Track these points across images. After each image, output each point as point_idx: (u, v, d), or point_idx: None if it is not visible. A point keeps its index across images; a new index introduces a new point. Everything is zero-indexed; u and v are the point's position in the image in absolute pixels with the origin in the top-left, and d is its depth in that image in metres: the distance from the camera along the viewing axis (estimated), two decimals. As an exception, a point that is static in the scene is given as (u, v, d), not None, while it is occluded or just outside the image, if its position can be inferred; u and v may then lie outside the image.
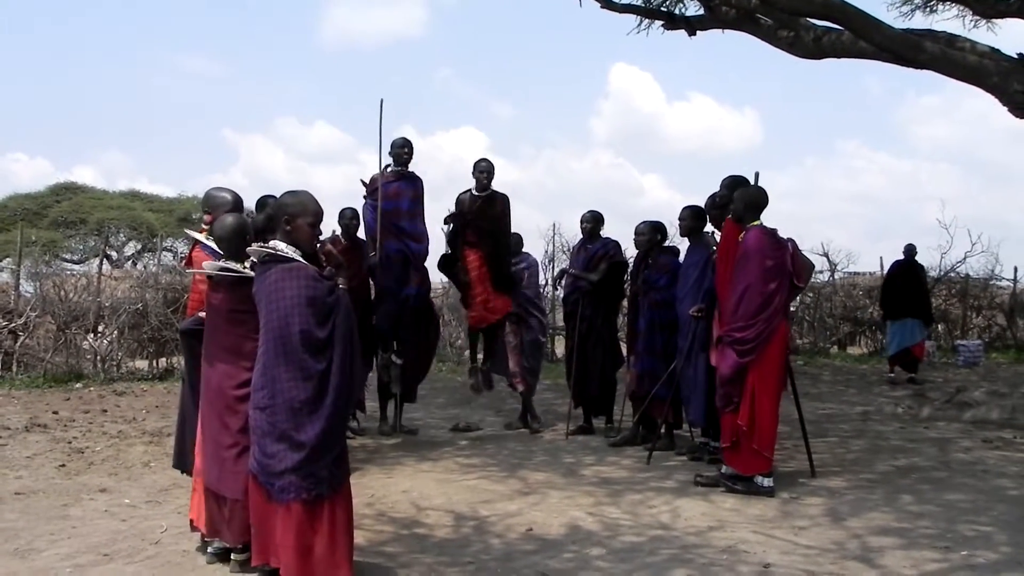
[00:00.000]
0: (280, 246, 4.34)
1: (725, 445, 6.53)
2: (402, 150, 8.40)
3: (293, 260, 4.30)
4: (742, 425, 6.30)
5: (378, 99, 7.92)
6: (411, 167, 8.44)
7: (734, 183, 6.99)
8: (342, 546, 4.30)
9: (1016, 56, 8.02)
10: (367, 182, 8.36)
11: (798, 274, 6.60)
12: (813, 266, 7.39)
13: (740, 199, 6.56)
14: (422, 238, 8.46)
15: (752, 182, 6.77)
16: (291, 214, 4.39)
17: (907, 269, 13.50)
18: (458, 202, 8.68)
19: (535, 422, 9.12)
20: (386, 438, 8.44)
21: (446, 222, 8.69)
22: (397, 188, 8.24)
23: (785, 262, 6.45)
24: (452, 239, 8.68)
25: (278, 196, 4.79)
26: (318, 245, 4.84)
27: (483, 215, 8.59)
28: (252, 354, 4.46)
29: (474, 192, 8.65)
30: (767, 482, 6.38)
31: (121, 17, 60.27)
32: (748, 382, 6.33)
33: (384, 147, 8.20)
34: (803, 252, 6.75)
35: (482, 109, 66.96)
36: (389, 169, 8.31)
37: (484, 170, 8.61)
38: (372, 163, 8.15)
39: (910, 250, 13.51)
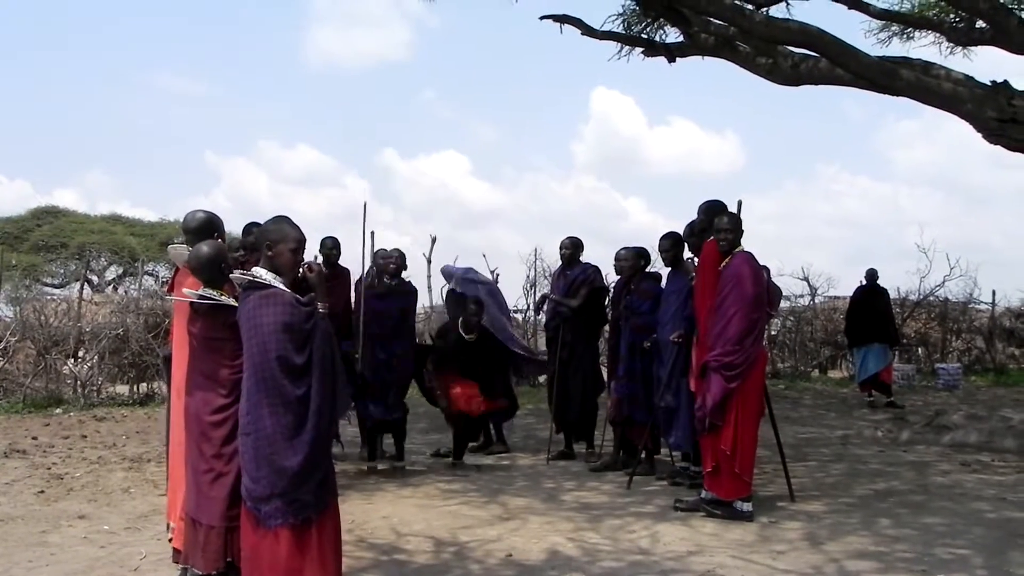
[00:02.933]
0: (260, 272, 4.37)
1: (707, 470, 6.55)
2: (389, 260, 8.13)
3: (270, 286, 4.33)
4: (725, 450, 6.33)
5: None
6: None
7: (711, 208, 7.05)
8: (331, 569, 4.34)
9: (990, 83, 8.13)
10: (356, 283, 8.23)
11: (771, 301, 6.69)
12: (781, 292, 7.49)
13: (737, 227, 6.60)
14: (406, 354, 8.24)
15: (736, 210, 6.81)
16: (272, 240, 4.43)
17: (869, 294, 13.54)
18: (445, 337, 8.55)
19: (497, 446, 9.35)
20: (366, 463, 8.42)
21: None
22: (383, 306, 8.01)
23: (765, 290, 6.52)
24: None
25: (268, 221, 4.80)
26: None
27: (473, 355, 8.39)
28: (228, 381, 4.51)
29: (463, 334, 8.47)
30: (747, 507, 6.41)
31: (101, 38, 60.17)
32: (731, 407, 6.37)
33: (369, 226, 7.95)
34: (782, 276, 6.85)
35: (465, 132, 67.01)
36: (377, 275, 8.08)
37: (474, 313, 8.39)
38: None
39: (871, 275, 13.55)
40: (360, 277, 8.18)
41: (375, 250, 8.21)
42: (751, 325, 6.39)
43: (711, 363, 6.42)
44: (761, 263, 6.66)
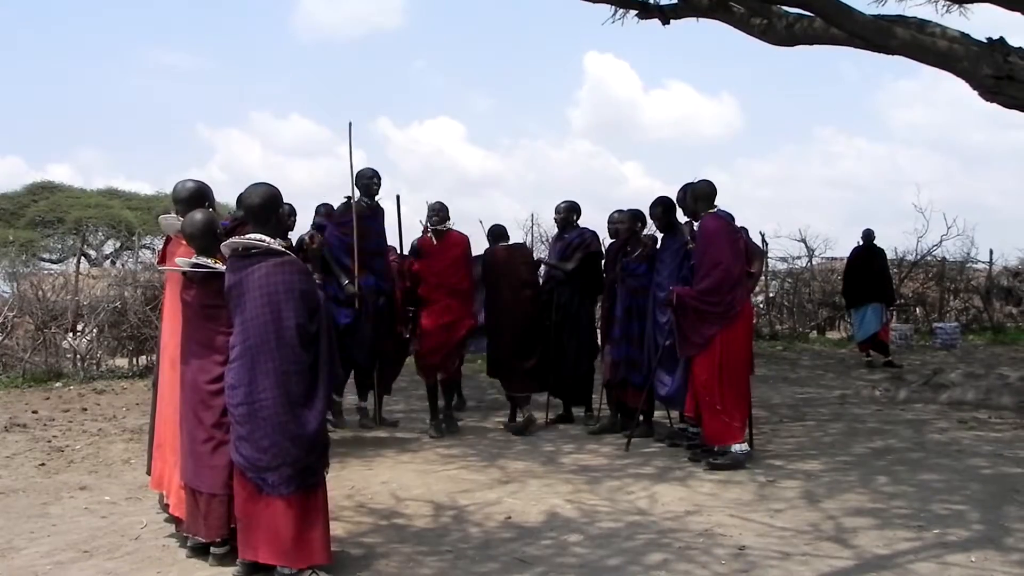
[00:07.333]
0: (266, 239, 4.37)
1: (688, 414, 6.95)
2: (372, 181, 8.12)
3: (285, 253, 4.37)
4: (715, 404, 6.60)
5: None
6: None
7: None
8: (328, 529, 4.50)
9: (986, 41, 8.09)
10: (334, 210, 8.15)
11: (750, 260, 6.88)
12: (764, 253, 7.68)
13: (690, 195, 7.02)
14: (389, 274, 8.31)
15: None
16: (281, 205, 4.52)
17: (866, 254, 13.49)
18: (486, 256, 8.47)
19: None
20: (366, 430, 8.45)
21: None
22: (371, 226, 8.03)
23: (737, 243, 6.81)
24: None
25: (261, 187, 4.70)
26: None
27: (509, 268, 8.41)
28: (224, 348, 4.52)
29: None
30: (742, 447, 6.70)
31: (91, 12, 59.83)
32: (716, 355, 6.62)
33: (357, 153, 8.05)
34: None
35: (459, 100, 66.98)
36: (358, 199, 8.01)
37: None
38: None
39: (868, 235, 13.45)
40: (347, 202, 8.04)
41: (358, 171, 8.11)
42: (725, 276, 6.67)
43: (687, 299, 6.77)
44: (738, 225, 7.01)
